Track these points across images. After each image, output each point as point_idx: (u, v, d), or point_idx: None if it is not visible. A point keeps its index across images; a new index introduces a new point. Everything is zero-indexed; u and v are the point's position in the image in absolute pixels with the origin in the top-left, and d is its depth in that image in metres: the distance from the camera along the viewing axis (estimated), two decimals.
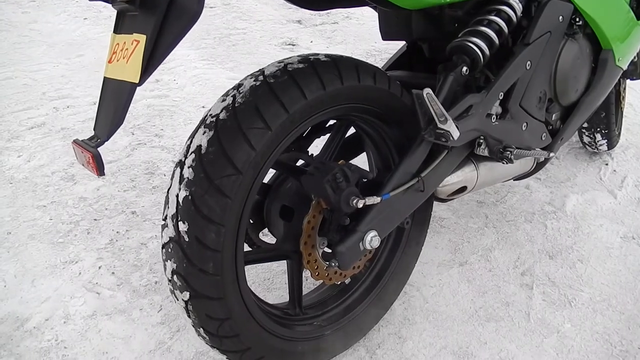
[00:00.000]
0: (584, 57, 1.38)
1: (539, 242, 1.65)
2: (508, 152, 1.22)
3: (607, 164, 2.08)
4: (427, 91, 0.95)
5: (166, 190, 0.94)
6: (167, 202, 0.91)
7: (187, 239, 0.86)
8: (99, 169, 0.78)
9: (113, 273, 1.43)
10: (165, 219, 0.91)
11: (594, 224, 1.75)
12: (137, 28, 0.77)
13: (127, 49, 0.78)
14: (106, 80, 0.84)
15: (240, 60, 2.75)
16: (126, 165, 1.88)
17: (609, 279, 1.51)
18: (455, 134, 1.00)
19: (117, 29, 0.84)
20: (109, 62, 0.83)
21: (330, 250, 1.07)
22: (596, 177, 2.00)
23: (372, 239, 1.02)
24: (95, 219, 1.62)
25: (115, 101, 0.80)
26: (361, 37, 3.19)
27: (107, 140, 0.80)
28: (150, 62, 0.76)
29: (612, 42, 1.39)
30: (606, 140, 2.01)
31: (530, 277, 1.51)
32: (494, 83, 1.16)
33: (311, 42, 3.14)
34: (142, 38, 0.75)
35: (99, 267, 1.44)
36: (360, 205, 0.98)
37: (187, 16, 0.75)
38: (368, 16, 3.43)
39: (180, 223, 0.87)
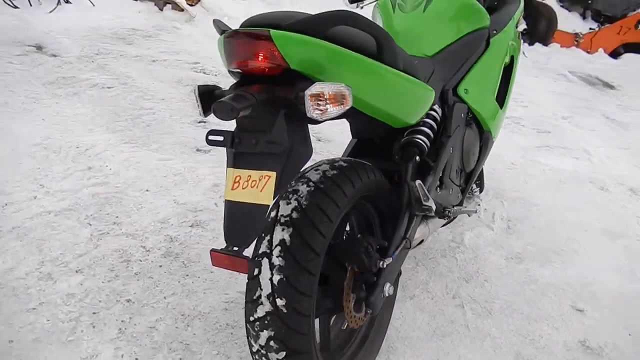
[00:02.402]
0: (476, 138, 2.00)
1: (455, 271, 2.21)
2: (448, 211, 1.74)
3: (479, 205, 2.78)
4: (419, 182, 1.40)
5: (247, 279, 1.21)
6: (258, 286, 1.19)
7: (285, 311, 1.15)
8: (250, 269, 1.05)
9: (136, 359, 1.56)
10: (257, 299, 1.18)
11: (485, 251, 2.38)
12: (262, 165, 1.08)
13: (254, 180, 1.07)
14: (231, 202, 1.11)
15: (162, 140, 2.92)
16: (98, 257, 1.96)
17: (507, 290, 2.12)
18: (434, 207, 1.47)
19: (235, 164, 1.12)
20: (232, 189, 1.10)
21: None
22: (476, 216, 2.67)
23: (389, 288, 1.42)
24: (94, 312, 1.70)
25: (250, 218, 1.08)
26: None
27: (247, 247, 1.07)
28: (278, 188, 1.08)
29: (489, 125, 2.04)
30: (478, 188, 2.71)
31: (459, 298, 2.04)
32: (435, 166, 1.67)
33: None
34: (273, 174, 1.06)
35: (122, 356, 1.56)
36: (385, 265, 1.37)
37: (301, 158, 1.09)
38: None
39: (277, 299, 1.15)
